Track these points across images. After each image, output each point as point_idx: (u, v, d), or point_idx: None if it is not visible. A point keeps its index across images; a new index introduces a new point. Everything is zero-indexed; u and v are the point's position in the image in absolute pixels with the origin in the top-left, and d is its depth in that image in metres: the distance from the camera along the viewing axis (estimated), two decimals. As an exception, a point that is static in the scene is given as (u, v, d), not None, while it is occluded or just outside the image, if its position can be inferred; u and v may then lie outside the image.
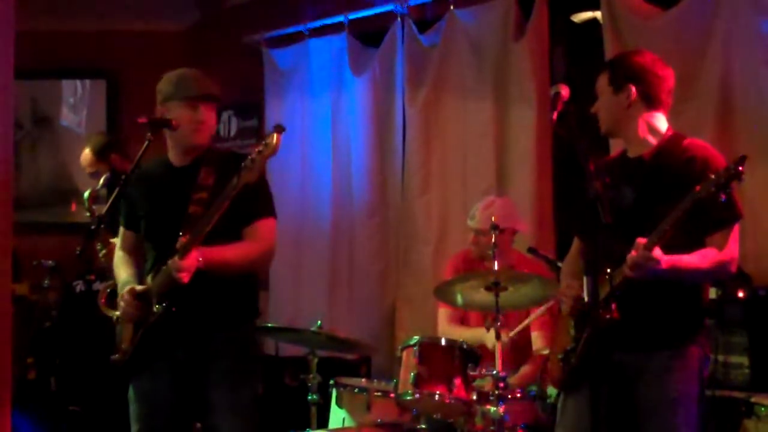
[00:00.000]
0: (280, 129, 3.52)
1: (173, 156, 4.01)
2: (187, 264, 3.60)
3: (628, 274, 3.35)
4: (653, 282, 3.41)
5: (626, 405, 3.54)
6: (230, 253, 3.80)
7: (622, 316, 3.40)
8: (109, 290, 5.03)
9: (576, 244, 3.99)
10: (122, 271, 4.08)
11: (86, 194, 5.30)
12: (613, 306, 3.42)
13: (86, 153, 5.67)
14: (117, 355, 3.95)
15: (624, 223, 3.48)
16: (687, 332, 3.58)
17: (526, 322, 4.86)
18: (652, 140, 3.65)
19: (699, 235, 3.46)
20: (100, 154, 5.64)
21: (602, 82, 3.70)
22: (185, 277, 3.60)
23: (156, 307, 3.77)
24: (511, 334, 4.70)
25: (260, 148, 3.49)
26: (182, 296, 3.72)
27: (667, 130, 3.67)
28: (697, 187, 3.26)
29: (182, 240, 3.62)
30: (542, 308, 4.75)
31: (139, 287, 3.87)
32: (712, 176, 3.23)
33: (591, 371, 3.26)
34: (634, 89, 3.63)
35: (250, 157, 3.52)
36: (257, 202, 3.89)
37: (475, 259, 5.13)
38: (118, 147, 5.69)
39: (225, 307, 3.88)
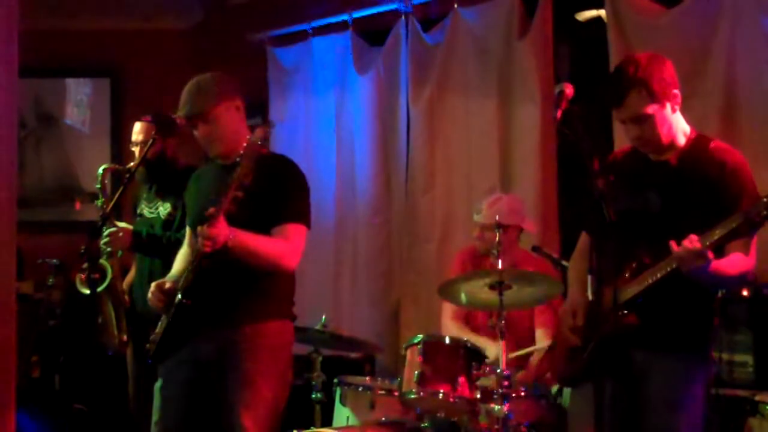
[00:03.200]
0: (268, 125, 3.82)
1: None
2: (214, 232, 3.64)
3: (680, 262, 3.30)
4: (670, 283, 3.40)
5: (630, 402, 3.54)
6: (258, 242, 3.85)
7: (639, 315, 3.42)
8: (88, 271, 4.99)
9: (582, 243, 3.96)
10: (176, 265, 4.18)
11: (102, 168, 5.23)
12: (633, 311, 3.44)
13: (145, 121, 5.27)
14: (149, 345, 4.02)
15: (650, 227, 3.49)
16: (699, 335, 3.58)
17: (530, 349, 4.87)
18: (678, 143, 3.59)
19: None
20: (160, 124, 5.12)
21: (642, 103, 3.46)
22: (209, 246, 3.65)
23: (177, 299, 3.83)
24: (512, 355, 4.69)
25: (245, 144, 3.68)
26: (205, 291, 3.80)
27: (691, 131, 3.63)
28: (745, 207, 3.26)
29: (210, 210, 3.66)
30: (545, 344, 4.76)
31: (168, 284, 3.94)
32: (765, 199, 3.19)
33: (601, 369, 3.26)
34: (678, 93, 3.54)
35: (241, 153, 3.67)
36: (291, 205, 3.94)
37: (481, 254, 5.13)
38: (178, 135, 5.23)
39: (251, 305, 3.91)
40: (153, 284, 3.97)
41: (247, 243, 3.79)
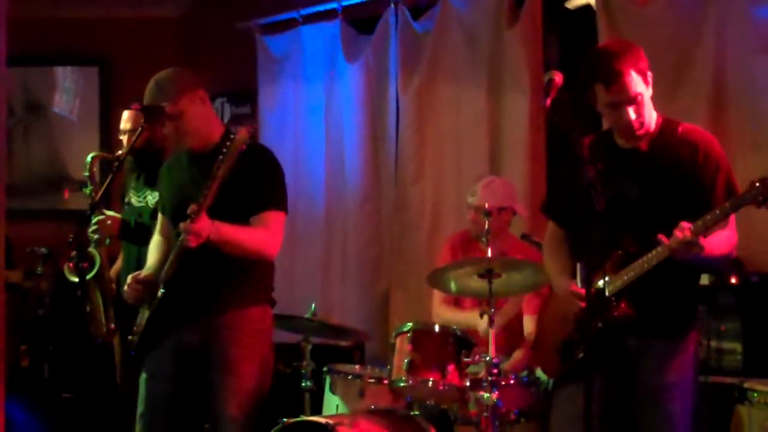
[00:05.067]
0: (248, 125, 3.77)
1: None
2: (197, 227, 3.63)
3: (673, 253, 3.33)
4: (657, 269, 3.42)
5: (620, 393, 3.56)
6: (242, 233, 3.85)
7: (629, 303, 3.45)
8: (77, 259, 4.98)
9: (554, 233, 3.96)
10: (152, 255, 4.16)
11: (90, 156, 5.23)
12: (623, 302, 3.46)
13: (133, 110, 5.21)
14: (132, 337, 4.02)
15: (631, 215, 3.51)
16: (687, 319, 3.62)
17: (514, 304, 4.87)
18: (650, 128, 3.59)
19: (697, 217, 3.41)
20: (148, 113, 5.13)
21: (637, 82, 3.48)
22: (193, 240, 3.64)
23: (159, 293, 3.83)
24: (501, 321, 4.71)
25: (227, 144, 3.64)
26: (192, 281, 3.80)
27: (657, 116, 3.64)
28: (720, 185, 3.39)
29: (192, 207, 3.64)
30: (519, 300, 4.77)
31: (143, 274, 3.95)
32: (757, 184, 3.24)
33: (592, 363, 3.27)
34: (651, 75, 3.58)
35: (223, 150, 3.63)
36: (267, 193, 3.94)
37: (473, 238, 5.12)
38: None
39: (231, 292, 3.90)
40: (129, 277, 3.98)
41: (230, 235, 3.78)
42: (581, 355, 3.56)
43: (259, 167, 3.91)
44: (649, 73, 3.55)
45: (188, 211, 3.65)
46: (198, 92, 4.00)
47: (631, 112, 3.51)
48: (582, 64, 3.64)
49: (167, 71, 4.04)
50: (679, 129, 3.60)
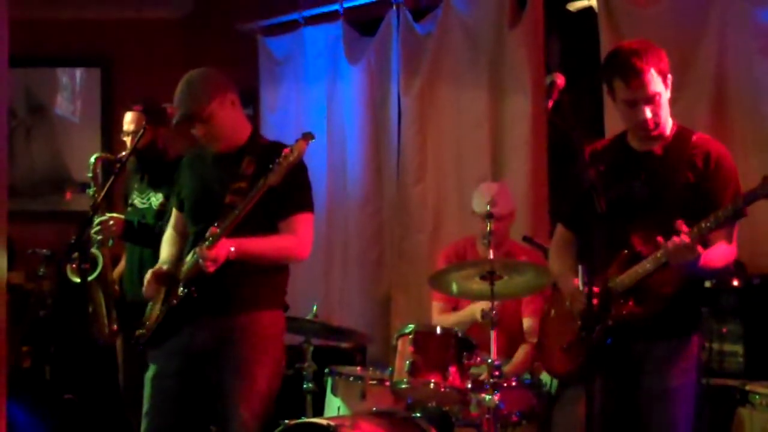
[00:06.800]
0: (308, 137, 3.70)
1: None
2: (214, 254, 3.65)
3: (669, 257, 3.35)
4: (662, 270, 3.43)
5: (626, 393, 3.56)
6: (263, 245, 3.86)
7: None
8: (79, 260, 4.98)
9: (562, 235, 3.97)
10: (165, 250, 4.16)
11: (93, 157, 5.24)
12: (631, 300, 3.46)
13: (137, 111, 5.28)
14: (141, 331, 4.01)
15: (638, 216, 3.51)
16: (690, 322, 3.61)
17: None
18: (665, 132, 3.60)
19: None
20: (151, 114, 5.15)
21: (657, 81, 3.51)
22: (211, 267, 3.66)
23: (180, 290, 3.83)
24: (505, 368, 4.72)
25: (287, 152, 3.63)
26: (207, 282, 3.77)
27: (672, 123, 3.65)
28: (730, 197, 3.39)
29: (212, 230, 3.67)
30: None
31: (164, 269, 3.95)
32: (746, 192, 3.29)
33: (593, 366, 3.28)
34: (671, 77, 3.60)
35: (277, 160, 3.64)
36: (294, 196, 3.92)
37: (468, 247, 5.13)
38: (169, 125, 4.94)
39: (246, 294, 3.89)
40: (149, 273, 3.96)
41: (251, 251, 3.81)
42: (588, 355, 3.56)
43: (290, 171, 3.81)
44: (670, 76, 3.56)
45: (207, 235, 3.67)
46: (228, 95, 3.98)
47: (648, 111, 3.52)
48: (605, 59, 3.67)
49: (199, 72, 4.02)
50: (693, 137, 3.62)
